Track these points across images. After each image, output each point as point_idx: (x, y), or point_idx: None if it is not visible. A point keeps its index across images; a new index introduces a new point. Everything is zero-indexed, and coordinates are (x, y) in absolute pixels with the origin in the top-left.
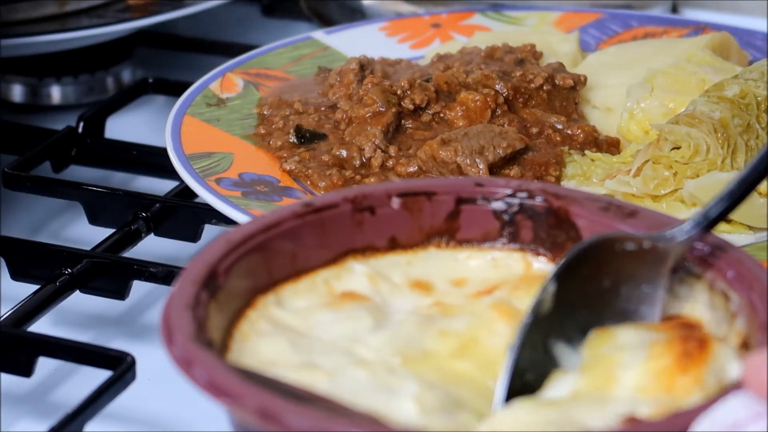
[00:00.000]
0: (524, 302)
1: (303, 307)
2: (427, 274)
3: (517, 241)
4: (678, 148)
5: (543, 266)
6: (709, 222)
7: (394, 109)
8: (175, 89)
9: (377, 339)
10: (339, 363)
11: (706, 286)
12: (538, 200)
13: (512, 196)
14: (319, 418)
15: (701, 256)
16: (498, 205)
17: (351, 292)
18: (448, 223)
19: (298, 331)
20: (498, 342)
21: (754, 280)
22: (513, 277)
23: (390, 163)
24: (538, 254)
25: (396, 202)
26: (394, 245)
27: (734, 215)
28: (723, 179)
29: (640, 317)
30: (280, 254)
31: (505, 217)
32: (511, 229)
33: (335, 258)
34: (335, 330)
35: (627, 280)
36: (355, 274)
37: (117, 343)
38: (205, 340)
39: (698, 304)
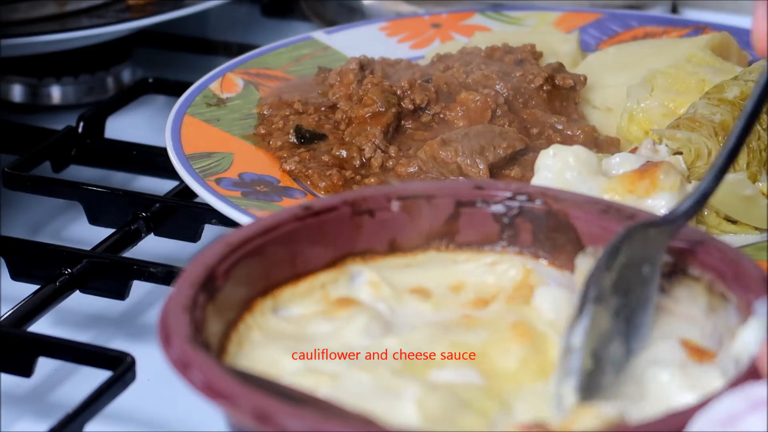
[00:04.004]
0: (521, 311)
1: (300, 314)
2: (425, 280)
3: (516, 244)
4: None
5: (540, 270)
6: (702, 196)
7: (394, 110)
8: (175, 89)
9: (384, 344)
10: (341, 367)
11: (704, 288)
12: (538, 203)
13: (512, 199)
14: (314, 419)
15: (700, 257)
16: (497, 208)
17: (348, 298)
18: (448, 226)
19: (296, 337)
20: (508, 362)
21: (752, 281)
22: (510, 284)
23: (390, 163)
24: (537, 257)
25: (395, 205)
26: (393, 248)
27: (740, 217)
28: (726, 181)
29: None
30: (279, 257)
31: (505, 220)
32: (510, 232)
33: (335, 261)
34: (335, 336)
35: (633, 263)
36: (355, 278)
37: (117, 343)
38: (202, 342)
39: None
